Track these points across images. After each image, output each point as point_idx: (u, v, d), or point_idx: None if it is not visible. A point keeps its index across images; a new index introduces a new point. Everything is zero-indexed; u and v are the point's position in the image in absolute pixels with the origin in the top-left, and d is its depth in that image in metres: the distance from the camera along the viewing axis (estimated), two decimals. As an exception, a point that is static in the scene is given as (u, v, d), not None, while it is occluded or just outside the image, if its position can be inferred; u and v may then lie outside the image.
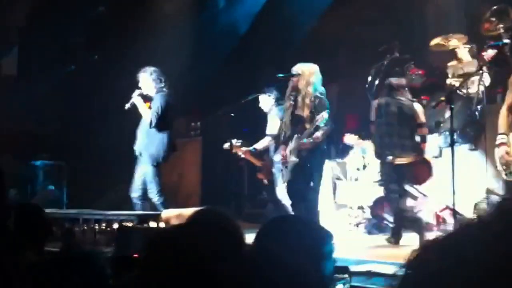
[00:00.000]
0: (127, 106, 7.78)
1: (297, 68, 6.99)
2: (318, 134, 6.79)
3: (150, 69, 7.84)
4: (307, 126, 6.87)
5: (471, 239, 1.00)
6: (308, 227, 2.43)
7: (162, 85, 7.81)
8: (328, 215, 7.86)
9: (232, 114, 8.22)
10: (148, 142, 7.72)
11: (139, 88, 7.83)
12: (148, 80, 7.79)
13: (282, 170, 7.22)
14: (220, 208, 2.71)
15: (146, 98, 7.86)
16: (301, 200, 6.86)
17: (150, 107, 7.79)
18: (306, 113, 6.87)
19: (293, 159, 6.91)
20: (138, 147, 7.80)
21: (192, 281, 2.08)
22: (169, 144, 7.83)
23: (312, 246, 2.22)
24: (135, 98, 7.79)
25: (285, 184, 7.14)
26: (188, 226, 2.56)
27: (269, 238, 2.23)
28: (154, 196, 7.69)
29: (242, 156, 8.58)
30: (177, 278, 2.22)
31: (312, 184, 6.88)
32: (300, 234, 2.25)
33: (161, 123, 7.74)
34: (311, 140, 6.80)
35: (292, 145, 6.95)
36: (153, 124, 7.69)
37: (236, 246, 2.43)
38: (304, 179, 6.88)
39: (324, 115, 6.70)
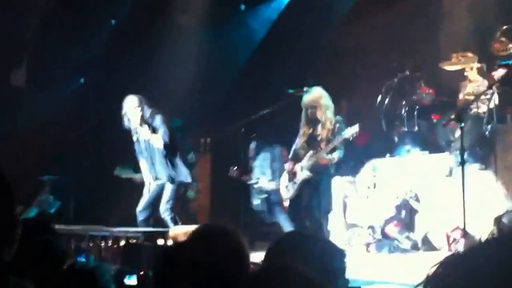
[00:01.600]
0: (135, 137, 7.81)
1: (311, 102, 7.09)
2: (335, 155, 6.88)
3: (135, 98, 7.77)
4: (323, 146, 6.94)
5: (487, 255, 1.02)
6: (320, 244, 2.39)
7: (150, 110, 7.76)
8: (338, 234, 7.81)
9: (243, 129, 8.20)
10: (167, 166, 7.72)
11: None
12: (136, 110, 7.73)
13: (287, 186, 7.21)
14: (224, 223, 2.67)
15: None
16: (307, 217, 6.84)
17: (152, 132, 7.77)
18: (325, 134, 6.96)
19: (305, 174, 6.92)
20: (155, 172, 7.79)
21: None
22: (186, 164, 7.91)
23: (324, 263, 2.18)
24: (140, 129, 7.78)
25: (289, 199, 7.14)
26: (191, 242, 2.53)
27: (280, 255, 2.20)
28: (165, 212, 7.67)
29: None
30: None
31: (321, 203, 6.87)
32: (312, 251, 2.22)
33: (173, 146, 7.76)
34: (330, 157, 6.86)
35: (305, 161, 6.97)
36: (167, 148, 7.69)
37: (240, 261, 2.40)
38: (313, 197, 6.86)
39: (345, 137, 6.80)
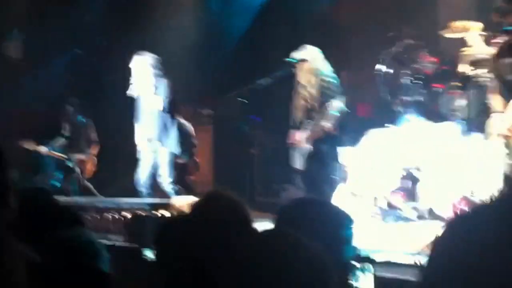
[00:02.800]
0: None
1: (302, 54, 6.92)
2: (330, 123, 6.73)
3: (148, 55, 7.73)
4: (315, 113, 6.82)
5: (496, 211, 1.04)
6: (328, 209, 2.38)
7: (161, 72, 7.73)
8: (342, 204, 7.79)
9: (242, 99, 8.11)
10: (165, 129, 7.66)
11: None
12: (144, 66, 7.66)
13: (296, 158, 7.14)
14: (225, 189, 2.67)
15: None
16: (315, 190, 6.80)
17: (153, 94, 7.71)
18: (313, 99, 6.81)
19: (306, 146, 6.84)
20: (152, 134, 7.73)
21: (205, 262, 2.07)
22: (183, 132, 7.83)
23: (331, 229, 2.17)
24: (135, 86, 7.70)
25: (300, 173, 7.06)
26: (196, 212, 2.52)
27: (287, 219, 2.18)
28: (167, 184, 7.65)
29: None
30: (191, 261, 2.23)
31: (328, 175, 6.82)
32: (319, 216, 2.21)
33: (172, 110, 7.70)
34: (326, 127, 6.74)
35: (304, 132, 6.88)
36: (166, 110, 7.64)
37: (243, 224, 2.39)
38: (320, 170, 6.80)
39: (338, 104, 6.64)
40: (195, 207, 2.59)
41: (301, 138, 6.97)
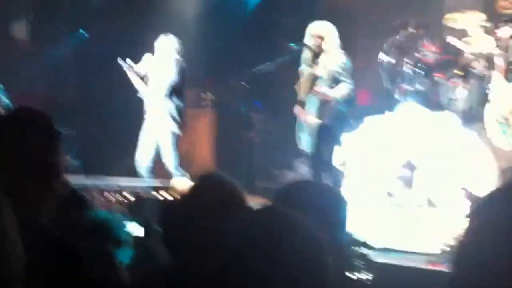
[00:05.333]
0: (136, 69, 7.71)
1: (319, 30, 6.77)
2: (342, 89, 6.61)
3: (173, 37, 7.78)
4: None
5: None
6: (323, 191, 2.38)
7: (178, 55, 7.78)
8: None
9: (247, 86, 8.12)
10: (166, 110, 7.68)
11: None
12: (169, 47, 7.72)
13: (304, 139, 6.98)
14: (219, 173, 2.71)
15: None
16: (327, 173, 6.73)
17: (163, 76, 7.75)
18: (324, 80, 6.67)
19: (315, 120, 6.70)
20: (152, 113, 7.75)
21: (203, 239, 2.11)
22: (183, 114, 7.85)
23: (326, 212, 2.17)
24: (145, 63, 7.73)
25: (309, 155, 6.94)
26: (189, 194, 2.58)
27: (283, 203, 2.18)
28: (171, 165, 7.67)
29: None
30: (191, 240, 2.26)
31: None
32: (314, 198, 2.21)
33: (177, 93, 7.72)
34: (335, 92, 6.60)
35: (312, 105, 6.73)
36: (169, 93, 7.66)
37: (237, 204, 2.42)
38: (333, 149, 6.72)
39: (347, 86, 6.61)
40: (189, 190, 2.63)
41: (308, 115, 6.83)
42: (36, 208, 2.07)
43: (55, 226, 2.24)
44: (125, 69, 7.76)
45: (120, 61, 7.75)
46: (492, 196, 1.12)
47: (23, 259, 1.48)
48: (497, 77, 6.34)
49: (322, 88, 6.64)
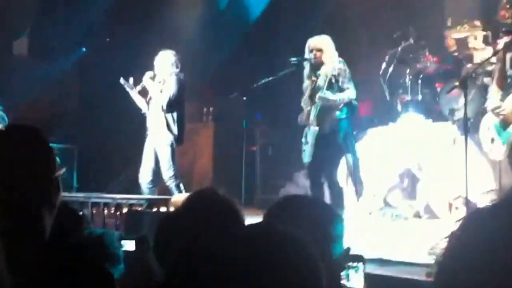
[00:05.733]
0: (138, 88, 7.77)
1: (318, 44, 6.87)
2: (344, 94, 6.68)
3: (170, 52, 7.81)
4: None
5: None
6: (317, 207, 2.35)
7: (178, 70, 7.79)
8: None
9: (244, 98, 8.13)
10: (164, 123, 7.69)
11: (151, 70, 7.81)
12: (166, 62, 7.75)
13: (304, 149, 6.95)
14: (215, 189, 2.68)
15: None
16: (328, 183, 6.71)
17: (161, 91, 7.76)
18: (330, 80, 6.74)
19: (315, 128, 6.72)
20: (152, 127, 7.77)
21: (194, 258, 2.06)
22: (183, 127, 7.84)
23: (320, 227, 2.14)
24: (146, 81, 7.77)
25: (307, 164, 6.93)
26: (182, 210, 2.54)
27: (276, 218, 2.16)
28: (169, 179, 7.66)
29: None
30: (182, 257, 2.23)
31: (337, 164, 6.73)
32: (307, 214, 2.19)
33: (175, 106, 7.73)
34: (335, 97, 6.65)
35: (312, 113, 6.78)
36: (167, 107, 7.67)
37: (233, 222, 2.40)
38: (331, 159, 6.72)
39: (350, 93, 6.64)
40: (181, 205, 2.61)
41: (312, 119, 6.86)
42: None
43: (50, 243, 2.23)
44: (127, 89, 7.80)
45: (122, 81, 7.79)
46: (481, 210, 1.10)
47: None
48: (493, 88, 6.31)
49: (325, 93, 6.70)
